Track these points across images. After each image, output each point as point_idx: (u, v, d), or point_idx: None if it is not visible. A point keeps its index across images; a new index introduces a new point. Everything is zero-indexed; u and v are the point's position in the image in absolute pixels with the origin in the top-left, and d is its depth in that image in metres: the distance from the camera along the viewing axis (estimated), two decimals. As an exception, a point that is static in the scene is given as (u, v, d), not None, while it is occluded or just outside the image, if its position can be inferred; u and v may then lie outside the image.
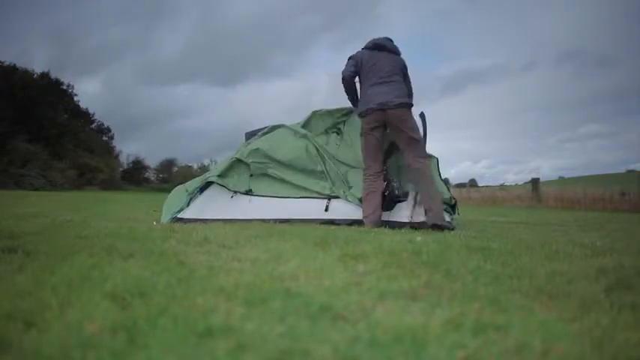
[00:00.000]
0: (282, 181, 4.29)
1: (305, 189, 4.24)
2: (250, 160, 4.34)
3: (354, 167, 4.30)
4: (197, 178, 4.63)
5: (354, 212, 4.09)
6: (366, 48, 4.16)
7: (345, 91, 4.24)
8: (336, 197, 4.17)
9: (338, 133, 4.65)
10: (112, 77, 78.14)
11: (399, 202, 4.06)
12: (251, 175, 4.34)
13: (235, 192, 4.25)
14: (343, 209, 4.14)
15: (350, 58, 4.13)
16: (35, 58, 70.63)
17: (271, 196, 4.24)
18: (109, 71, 79.40)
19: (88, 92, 68.70)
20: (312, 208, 4.17)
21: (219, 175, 4.28)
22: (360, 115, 4.03)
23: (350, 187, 4.20)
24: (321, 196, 4.19)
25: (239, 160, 4.39)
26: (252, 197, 4.27)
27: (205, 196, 4.28)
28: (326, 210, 4.15)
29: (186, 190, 4.44)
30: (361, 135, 4.06)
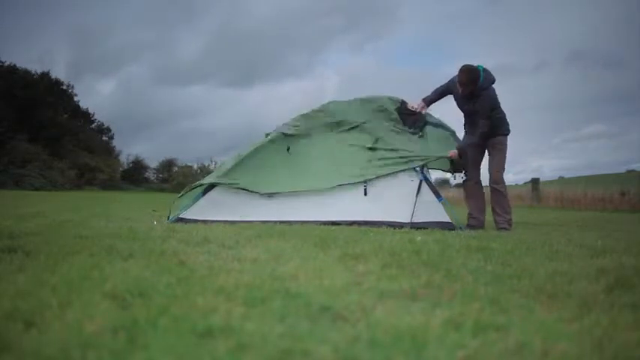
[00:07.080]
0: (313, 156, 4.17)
1: (340, 171, 4.09)
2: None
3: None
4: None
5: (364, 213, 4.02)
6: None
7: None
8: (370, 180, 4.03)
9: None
10: (129, 78, 78.43)
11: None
12: (288, 149, 4.18)
13: (270, 194, 4.02)
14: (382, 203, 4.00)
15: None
16: (58, 59, 70.49)
17: (311, 191, 4.03)
18: (126, 72, 79.88)
19: (106, 92, 69.13)
20: (347, 203, 4.00)
21: (238, 180, 4.04)
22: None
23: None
24: (357, 179, 4.04)
25: (263, 146, 4.17)
26: (286, 195, 4.04)
27: (218, 199, 4.08)
28: (365, 194, 4.03)
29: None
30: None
